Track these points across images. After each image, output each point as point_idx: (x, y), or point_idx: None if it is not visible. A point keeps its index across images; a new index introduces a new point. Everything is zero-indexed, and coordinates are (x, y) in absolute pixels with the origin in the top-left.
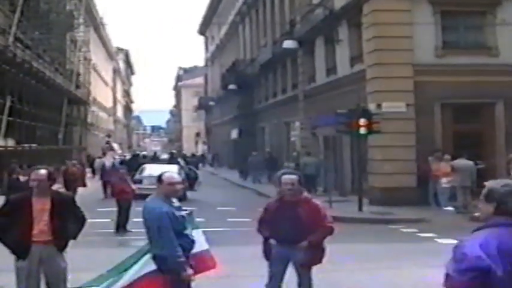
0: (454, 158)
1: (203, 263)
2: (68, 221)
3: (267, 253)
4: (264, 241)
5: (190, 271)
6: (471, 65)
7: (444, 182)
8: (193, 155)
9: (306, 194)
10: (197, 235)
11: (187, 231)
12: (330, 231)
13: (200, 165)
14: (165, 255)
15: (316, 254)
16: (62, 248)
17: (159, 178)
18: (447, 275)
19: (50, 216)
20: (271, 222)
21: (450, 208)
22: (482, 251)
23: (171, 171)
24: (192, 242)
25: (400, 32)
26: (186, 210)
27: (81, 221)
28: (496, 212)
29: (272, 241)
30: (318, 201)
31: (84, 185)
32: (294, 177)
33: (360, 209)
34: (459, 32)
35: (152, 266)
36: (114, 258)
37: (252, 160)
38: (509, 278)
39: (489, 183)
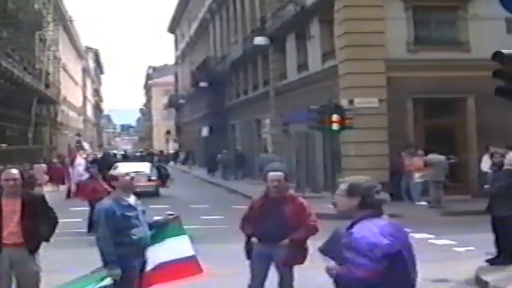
0: (426, 153)
1: (187, 269)
2: (39, 222)
3: (249, 252)
4: (246, 239)
5: (118, 270)
6: (443, 60)
7: (417, 177)
8: (161, 153)
9: (292, 191)
10: (183, 241)
11: (132, 231)
12: (314, 230)
13: (172, 163)
14: (100, 250)
15: (298, 253)
16: (34, 250)
17: (113, 177)
18: (355, 266)
19: (20, 218)
20: (256, 220)
21: (423, 203)
22: (386, 238)
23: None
24: (134, 240)
25: (372, 28)
26: (172, 214)
27: (53, 222)
28: (360, 205)
29: (254, 239)
30: (303, 199)
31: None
32: (280, 174)
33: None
34: (431, 27)
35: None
36: (87, 259)
37: (221, 158)
38: (409, 259)
39: (349, 179)
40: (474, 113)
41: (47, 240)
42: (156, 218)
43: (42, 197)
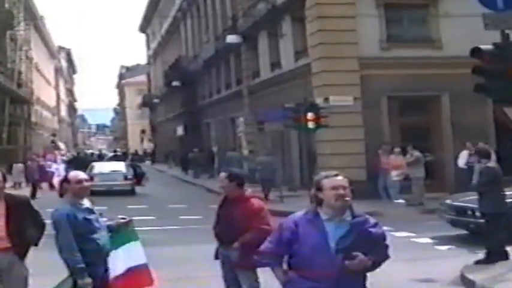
0: (403, 150)
1: (139, 278)
2: (26, 226)
3: (216, 254)
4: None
5: (88, 279)
6: (416, 57)
7: (395, 174)
8: (135, 153)
9: (248, 191)
10: (135, 247)
11: (95, 235)
12: (263, 234)
13: (148, 162)
14: (65, 259)
15: (249, 257)
16: (22, 255)
17: (65, 178)
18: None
19: (5, 221)
20: (215, 221)
21: (401, 201)
22: None
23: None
24: (99, 246)
25: (344, 26)
26: (124, 218)
27: (40, 225)
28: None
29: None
30: (258, 200)
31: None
32: (222, 174)
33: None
34: (403, 25)
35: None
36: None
37: (192, 157)
38: None
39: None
40: (449, 111)
41: (36, 244)
42: (108, 222)
43: (27, 200)
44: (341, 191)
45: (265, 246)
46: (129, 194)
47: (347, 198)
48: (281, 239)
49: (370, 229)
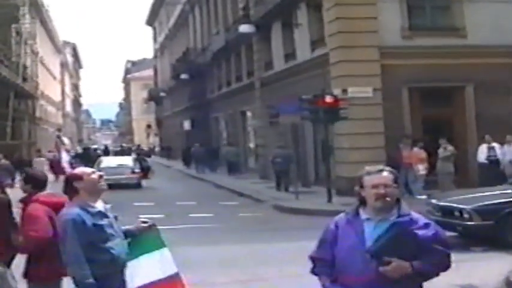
0: (425, 144)
1: None
2: (9, 230)
3: None
4: None
5: None
6: (439, 46)
7: (421, 169)
8: (138, 147)
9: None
10: (161, 256)
11: (108, 244)
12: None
13: (154, 157)
14: (71, 273)
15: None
16: (8, 262)
17: (76, 176)
18: (446, 257)
19: None
20: None
21: (423, 197)
22: None
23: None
24: (113, 256)
25: (364, 13)
26: (146, 222)
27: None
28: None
29: None
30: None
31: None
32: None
33: (330, 200)
34: (425, 12)
35: None
36: None
37: (194, 151)
38: None
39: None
40: (473, 102)
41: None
42: (127, 226)
43: (8, 201)
44: (382, 190)
45: (312, 252)
46: (136, 187)
47: (388, 199)
48: (324, 243)
49: (417, 231)
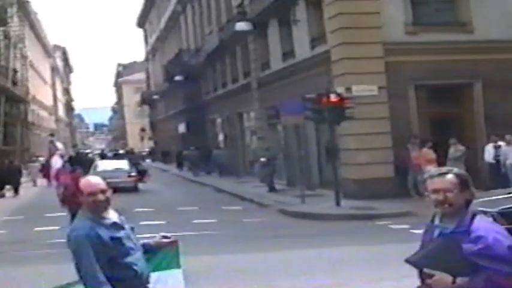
0: (434, 144)
1: None
2: None
3: None
4: None
5: None
6: (445, 42)
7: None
8: (131, 151)
9: None
10: (173, 278)
11: (129, 259)
12: None
13: (148, 161)
14: None
15: None
16: None
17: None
18: (501, 276)
19: None
20: None
21: None
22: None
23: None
24: (137, 273)
25: (367, 8)
26: (167, 237)
27: None
28: (469, 201)
29: None
30: None
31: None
32: None
33: (338, 203)
34: (430, 7)
35: None
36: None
37: (187, 154)
38: None
39: (447, 169)
40: (482, 100)
41: None
42: (145, 241)
43: None
44: (440, 197)
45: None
46: (133, 190)
47: (447, 206)
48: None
49: (464, 244)
